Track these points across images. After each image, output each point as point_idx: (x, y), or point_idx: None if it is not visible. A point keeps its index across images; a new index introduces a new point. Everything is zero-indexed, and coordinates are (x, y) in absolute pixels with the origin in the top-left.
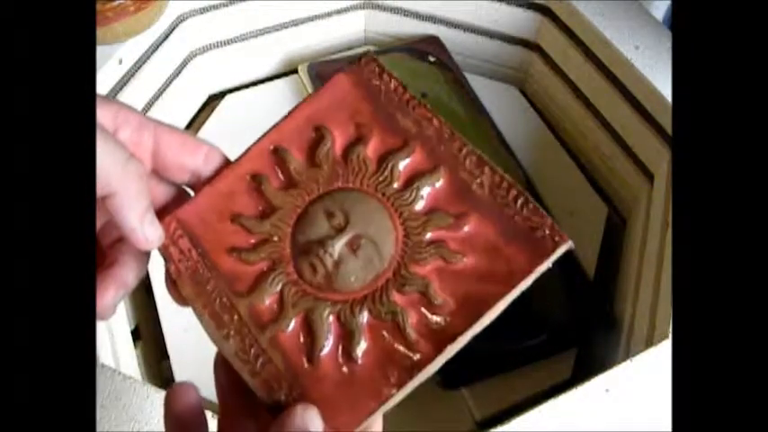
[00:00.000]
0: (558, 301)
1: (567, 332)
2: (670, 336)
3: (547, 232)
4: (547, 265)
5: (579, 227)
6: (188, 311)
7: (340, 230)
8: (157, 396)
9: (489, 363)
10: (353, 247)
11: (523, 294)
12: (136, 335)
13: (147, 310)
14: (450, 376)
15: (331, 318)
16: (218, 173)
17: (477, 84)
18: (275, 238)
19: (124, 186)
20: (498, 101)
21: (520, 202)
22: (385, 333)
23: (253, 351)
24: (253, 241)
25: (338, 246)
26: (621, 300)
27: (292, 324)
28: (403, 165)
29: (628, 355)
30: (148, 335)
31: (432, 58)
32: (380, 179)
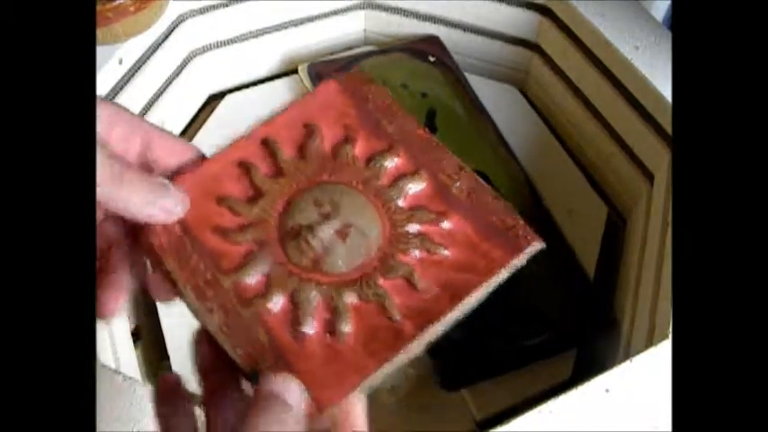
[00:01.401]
0: (557, 302)
1: (567, 332)
2: (670, 336)
3: (520, 232)
4: (521, 260)
5: (579, 227)
6: (188, 312)
7: (329, 218)
8: None
9: (489, 363)
10: (342, 234)
11: (523, 294)
12: (136, 335)
13: (147, 310)
14: (450, 377)
15: (318, 297)
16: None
17: (477, 84)
18: (263, 222)
19: (111, 190)
20: (498, 101)
21: (495, 204)
22: (370, 313)
23: (237, 325)
24: (240, 223)
25: (327, 231)
26: (621, 300)
27: (278, 301)
28: (388, 165)
29: (628, 355)
30: (148, 335)
31: (432, 58)
32: (367, 175)
